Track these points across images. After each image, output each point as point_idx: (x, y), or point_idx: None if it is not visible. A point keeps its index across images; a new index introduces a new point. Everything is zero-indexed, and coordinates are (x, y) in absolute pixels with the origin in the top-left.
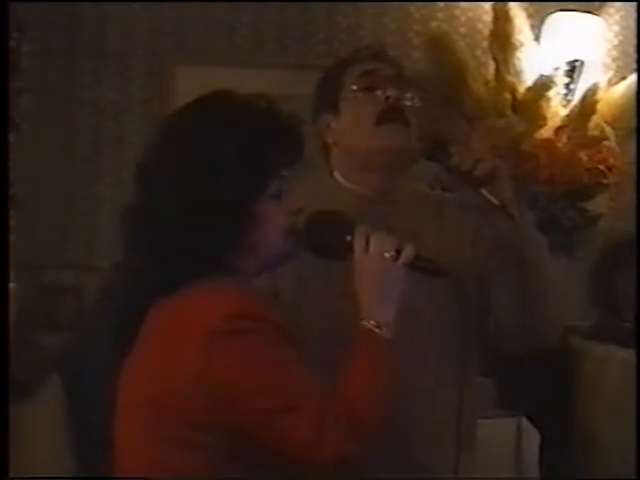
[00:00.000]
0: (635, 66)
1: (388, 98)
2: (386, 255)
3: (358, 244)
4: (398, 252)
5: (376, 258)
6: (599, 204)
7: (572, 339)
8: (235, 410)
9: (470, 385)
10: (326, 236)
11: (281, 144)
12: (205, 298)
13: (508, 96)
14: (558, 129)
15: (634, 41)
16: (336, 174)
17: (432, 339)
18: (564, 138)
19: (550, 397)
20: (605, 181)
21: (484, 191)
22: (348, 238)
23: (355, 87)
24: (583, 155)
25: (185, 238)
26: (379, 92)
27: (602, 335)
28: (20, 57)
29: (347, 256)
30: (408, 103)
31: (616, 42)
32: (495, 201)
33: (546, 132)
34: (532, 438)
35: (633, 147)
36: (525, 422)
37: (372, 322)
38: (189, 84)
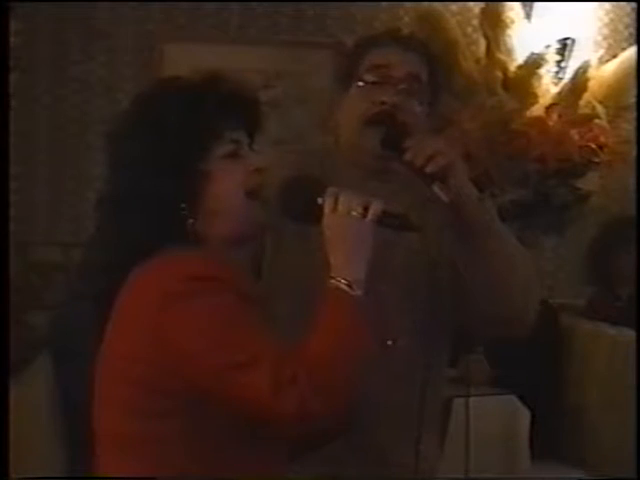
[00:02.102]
0: (626, 44)
1: (383, 103)
2: (353, 213)
3: (327, 204)
4: (366, 209)
5: (344, 216)
6: (590, 182)
7: (563, 317)
8: (192, 370)
9: (438, 362)
10: (298, 200)
11: (223, 109)
12: (166, 264)
13: (499, 74)
14: (549, 107)
15: (625, 19)
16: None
17: (404, 304)
18: (555, 116)
19: (540, 375)
20: (596, 159)
21: (435, 187)
22: (319, 201)
23: (363, 79)
24: (574, 133)
25: (147, 208)
26: (378, 93)
27: (593, 313)
28: (9, 35)
29: (320, 219)
30: (405, 108)
31: (607, 20)
32: (445, 199)
33: (537, 110)
34: (523, 416)
35: (624, 125)
36: (516, 400)
37: (342, 280)
38: (178, 61)
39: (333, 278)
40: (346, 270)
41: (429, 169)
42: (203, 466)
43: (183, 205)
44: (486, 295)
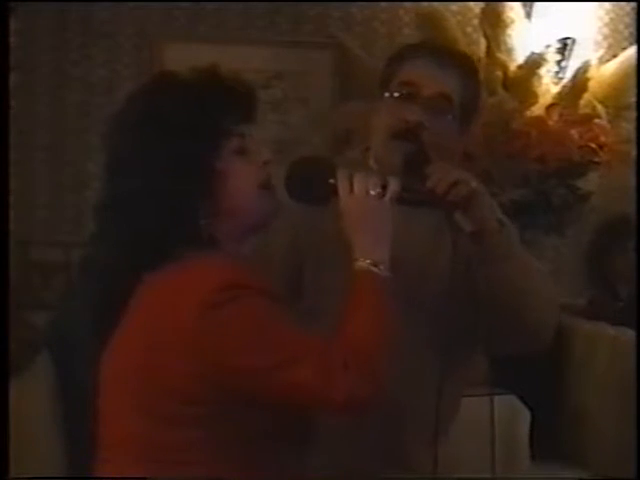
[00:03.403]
0: (626, 44)
1: (407, 121)
2: (372, 192)
3: (342, 186)
4: (384, 188)
5: (362, 197)
6: (590, 182)
7: (563, 317)
8: (235, 377)
9: (457, 355)
10: (308, 181)
11: (228, 102)
12: (192, 273)
13: (499, 74)
14: (549, 107)
15: (625, 19)
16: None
17: (426, 292)
18: (555, 116)
19: (540, 375)
20: (596, 159)
21: (457, 216)
22: (331, 181)
23: (394, 91)
24: (574, 133)
25: (157, 211)
26: (404, 110)
27: (594, 313)
28: (9, 35)
29: (332, 199)
30: (431, 128)
31: (607, 20)
32: (467, 228)
33: (537, 110)
34: (523, 416)
35: (624, 125)
36: (516, 400)
37: (368, 261)
38: (178, 61)
39: (358, 260)
40: (371, 251)
41: (450, 198)
42: (228, 472)
43: (197, 204)
44: (505, 313)
